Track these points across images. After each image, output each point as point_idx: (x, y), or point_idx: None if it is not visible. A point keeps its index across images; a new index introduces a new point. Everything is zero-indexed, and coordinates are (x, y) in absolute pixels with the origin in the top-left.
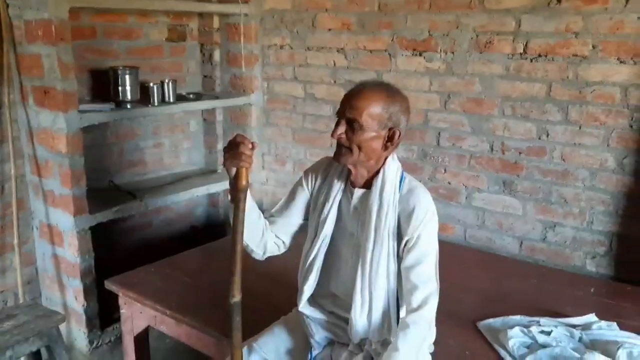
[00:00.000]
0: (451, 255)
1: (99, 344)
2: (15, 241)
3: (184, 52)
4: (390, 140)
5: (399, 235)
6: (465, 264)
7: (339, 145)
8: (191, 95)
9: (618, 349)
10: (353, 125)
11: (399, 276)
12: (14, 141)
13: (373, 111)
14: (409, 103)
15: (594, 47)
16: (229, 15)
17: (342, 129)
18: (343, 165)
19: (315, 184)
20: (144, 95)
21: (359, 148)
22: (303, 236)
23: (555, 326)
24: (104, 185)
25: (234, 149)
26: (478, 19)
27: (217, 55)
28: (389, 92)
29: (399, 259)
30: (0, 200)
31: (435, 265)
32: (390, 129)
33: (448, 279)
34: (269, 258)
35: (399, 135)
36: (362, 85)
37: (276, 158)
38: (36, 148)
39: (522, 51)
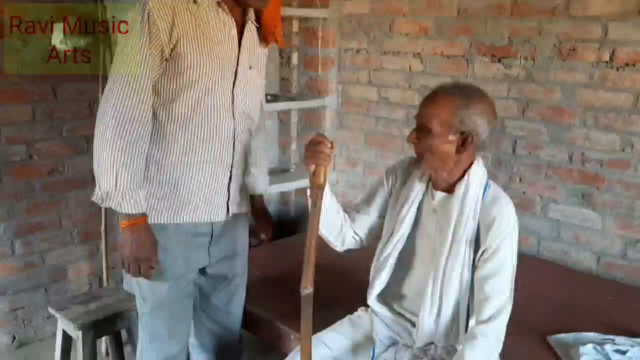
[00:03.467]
0: (523, 266)
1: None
2: (102, 228)
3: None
4: (463, 145)
5: (477, 244)
6: (538, 276)
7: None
8: (268, 97)
9: None
10: (423, 130)
11: (472, 285)
12: None
13: (441, 117)
14: (492, 106)
15: None
16: (309, 19)
17: (414, 133)
18: (424, 169)
19: (395, 183)
20: None
21: (430, 153)
22: (381, 235)
23: (632, 346)
24: None
25: (313, 148)
26: (561, 26)
27: (295, 58)
28: (462, 96)
29: (474, 268)
30: (90, 189)
31: (511, 279)
32: (462, 133)
33: (519, 289)
34: (342, 256)
35: (472, 139)
36: (436, 90)
37: (347, 160)
38: None
39: (608, 59)
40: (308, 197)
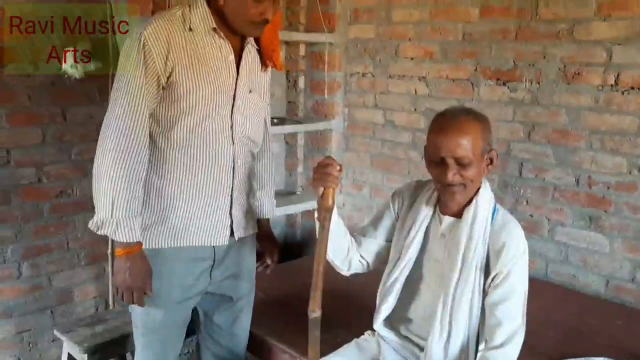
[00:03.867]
0: (531, 289)
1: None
2: (109, 250)
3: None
4: (491, 163)
5: (487, 270)
6: (546, 300)
7: (449, 185)
8: (275, 120)
9: None
10: (463, 163)
11: (482, 311)
12: None
13: (477, 144)
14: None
15: None
16: (315, 44)
17: (454, 170)
18: (456, 202)
19: (402, 206)
20: None
21: (472, 182)
22: (387, 258)
23: None
24: None
25: (322, 170)
26: (566, 50)
27: (301, 82)
28: (477, 117)
29: (484, 293)
30: None
31: (523, 304)
32: (489, 152)
33: (527, 313)
34: (349, 279)
35: (497, 156)
36: (454, 120)
37: (353, 182)
38: None
39: (613, 83)
40: (316, 220)
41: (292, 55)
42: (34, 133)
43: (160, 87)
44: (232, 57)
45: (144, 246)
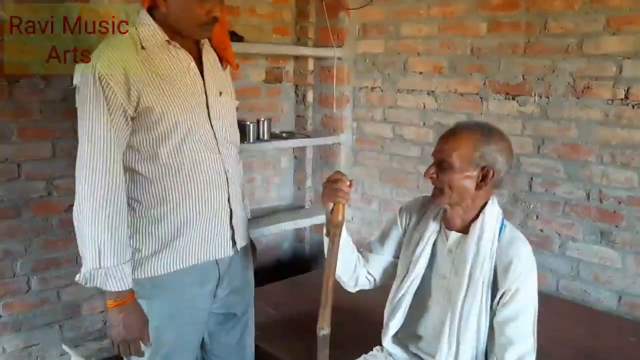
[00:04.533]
0: (542, 306)
1: None
2: None
3: (279, 93)
4: (483, 180)
5: (494, 287)
6: (557, 316)
7: (432, 184)
8: (284, 134)
9: None
10: (443, 165)
11: (490, 329)
12: None
13: (462, 151)
14: (511, 145)
15: None
16: (323, 59)
17: (433, 169)
18: (438, 206)
19: (409, 222)
20: (241, 133)
21: (450, 188)
22: (395, 274)
23: None
24: None
25: (331, 185)
26: (576, 64)
27: (310, 96)
28: (483, 132)
29: (492, 311)
30: None
31: (533, 322)
32: (483, 168)
33: (537, 330)
34: (356, 295)
35: (493, 174)
36: (456, 126)
37: (362, 197)
38: None
39: (623, 97)
40: (324, 235)
41: (301, 70)
42: (45, 147)
43: (129, 118)
44: (193, 63)
45: (148, 275)
